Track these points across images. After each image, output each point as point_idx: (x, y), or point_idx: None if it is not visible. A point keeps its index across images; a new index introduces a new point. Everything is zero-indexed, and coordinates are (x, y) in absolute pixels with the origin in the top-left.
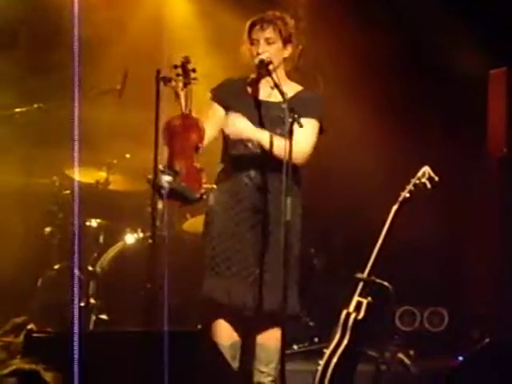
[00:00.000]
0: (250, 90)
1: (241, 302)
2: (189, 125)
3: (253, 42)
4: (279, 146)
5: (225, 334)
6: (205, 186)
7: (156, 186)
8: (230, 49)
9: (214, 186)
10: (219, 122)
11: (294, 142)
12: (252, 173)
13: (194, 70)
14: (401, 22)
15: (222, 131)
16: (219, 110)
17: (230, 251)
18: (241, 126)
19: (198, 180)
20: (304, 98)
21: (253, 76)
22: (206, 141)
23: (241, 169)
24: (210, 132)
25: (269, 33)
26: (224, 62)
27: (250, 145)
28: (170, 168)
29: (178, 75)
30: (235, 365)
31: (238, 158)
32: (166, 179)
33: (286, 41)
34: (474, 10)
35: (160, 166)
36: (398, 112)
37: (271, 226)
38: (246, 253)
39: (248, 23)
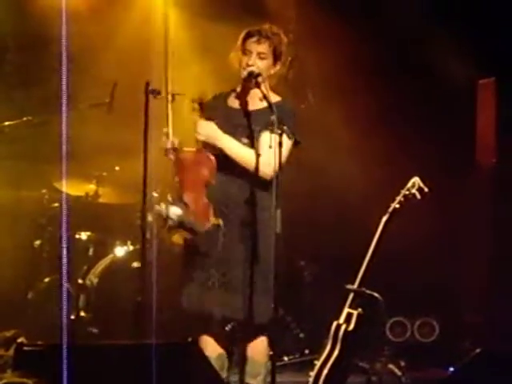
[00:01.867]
0: (231, 102)
1: (218, 313)
2: (201, 160)
3: (245, 52)
4: (245, 156)
5: (210, 345)
6: (212, 219)
7: (165, 217)
8: (216, 57)
9: (221, 222)
10: None
11: (266, 157)
12: (223, 179)
13: None
14: (389, 32)
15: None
16: None
17: (201, 259)
18: (208, 131)
19: (206, 214)
20: (278, 112)
21: (238, 89)
22: None
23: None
24: None
25: (263, 48)
26: (211, 70)
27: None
28: (180, 199)
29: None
30: (224, 375)
31: None
32: (175, 212)
33: (276, 58)
34: (463, 20)
35: (169, 198)
36: (387, 123)
37: (243, 235)
38: (217, 261)
39: (244, 32)
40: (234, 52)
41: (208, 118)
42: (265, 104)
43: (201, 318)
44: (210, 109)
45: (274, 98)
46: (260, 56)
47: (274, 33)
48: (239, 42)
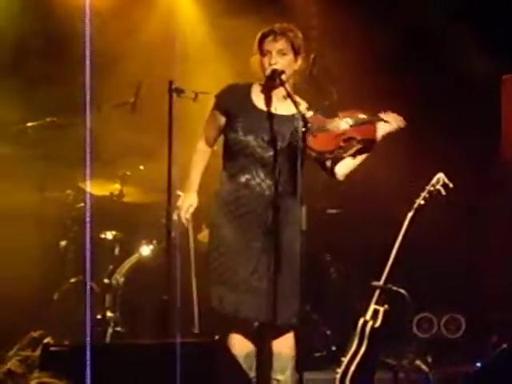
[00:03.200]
0: (257, 100)
1: (247, 313)
2: None
3: (264, 53)
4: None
5: (238, 344)
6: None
7: None
8: (240, 56)
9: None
10: (219, 129)
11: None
12: (257, 180)
13: None
14: (411, 28)
15: (225, 138)
16: (220, 118)
17: (230, 260)
18: None
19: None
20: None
21: (260, 83)
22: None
23: (242, 177)
24: (212, 136)
25: (281, 44)
26: (235, 68)
27: (257, 151)
28: None
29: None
30: (252, 375)
31: (242, 166)
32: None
33: (297, 53)
34: (485, 15)
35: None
36: (411, 119)
37: (277, 236)
38: (246, 262)
39: (259, 35)
40: (253, 56)
41: (228, 115)
42: (293, 110)
43: (232, 319)
44: (229, 103)
45: (303, 105)
46: (281, 53)
47: (288, 29)
48: (255, 45)
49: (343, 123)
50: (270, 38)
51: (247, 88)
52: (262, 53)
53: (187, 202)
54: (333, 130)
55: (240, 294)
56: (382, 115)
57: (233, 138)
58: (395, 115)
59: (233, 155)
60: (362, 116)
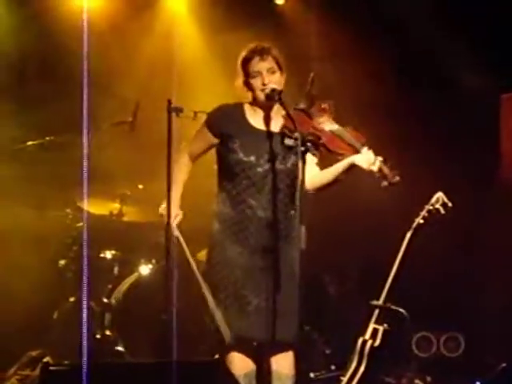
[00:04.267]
0: (252, 120)
1: (247, 332)
2: None
3: (253, 74)
4: None
5: (238, 364)
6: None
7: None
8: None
9: None
10: (207, 147)
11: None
12: (259, 200)
13: None
14: (412, 45)
15: (222, 159)
16: (210, 137)
17: (234, 282)
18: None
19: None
20: None
21: (249, 103)
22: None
23: (244, 198)
24: (197, 152)
25: (269, 63)
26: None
27: (258, 171)
28: None
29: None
30: None
31: (245, 187)
32: None
33: (281, 70)
34: (485, 34)
35: None
36: (410, 139)
37: (278, 256)
38: (249, 282)
39: (241, 57)
40: (237, 79)
41: (222, 135)
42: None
43: (236, 340)
44: (223, 124)
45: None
46: (270, 71)
47: (270, 47)
48: (239, 68)
49: (329, 124)
50: (257, 58)
51: (239, 108)
52: (250, 75)
53: (173, 212)
54: (314, 120)
55: (240, 314)
56: (364, 149)
57: (233, 159)
58: (371, 156)
59: (233, 176)
60: (349, 134)
